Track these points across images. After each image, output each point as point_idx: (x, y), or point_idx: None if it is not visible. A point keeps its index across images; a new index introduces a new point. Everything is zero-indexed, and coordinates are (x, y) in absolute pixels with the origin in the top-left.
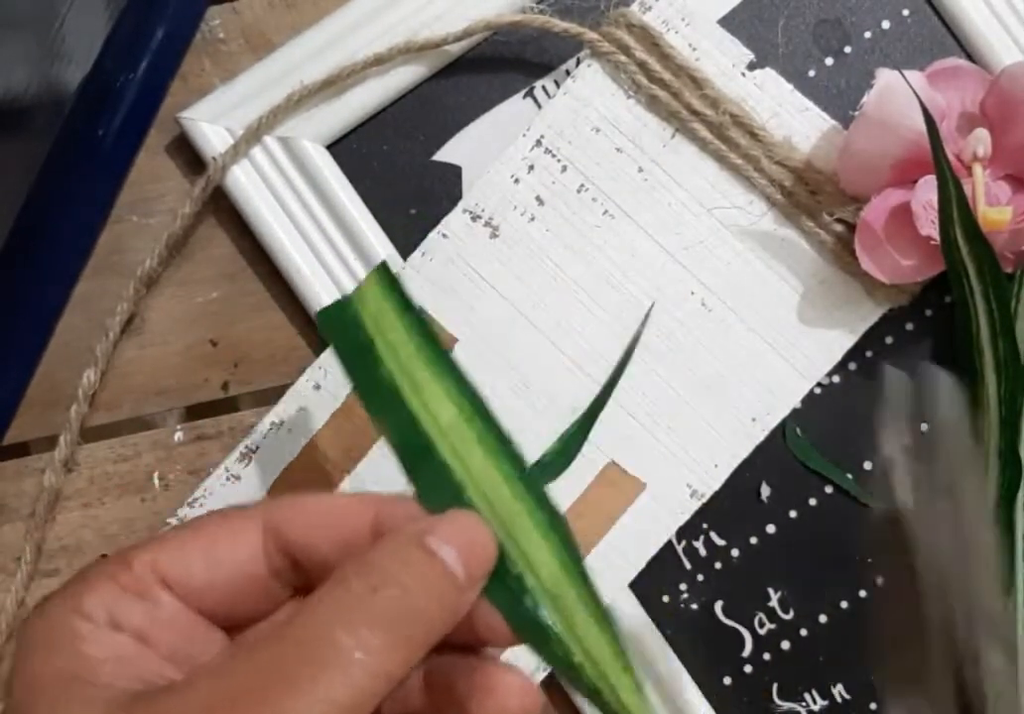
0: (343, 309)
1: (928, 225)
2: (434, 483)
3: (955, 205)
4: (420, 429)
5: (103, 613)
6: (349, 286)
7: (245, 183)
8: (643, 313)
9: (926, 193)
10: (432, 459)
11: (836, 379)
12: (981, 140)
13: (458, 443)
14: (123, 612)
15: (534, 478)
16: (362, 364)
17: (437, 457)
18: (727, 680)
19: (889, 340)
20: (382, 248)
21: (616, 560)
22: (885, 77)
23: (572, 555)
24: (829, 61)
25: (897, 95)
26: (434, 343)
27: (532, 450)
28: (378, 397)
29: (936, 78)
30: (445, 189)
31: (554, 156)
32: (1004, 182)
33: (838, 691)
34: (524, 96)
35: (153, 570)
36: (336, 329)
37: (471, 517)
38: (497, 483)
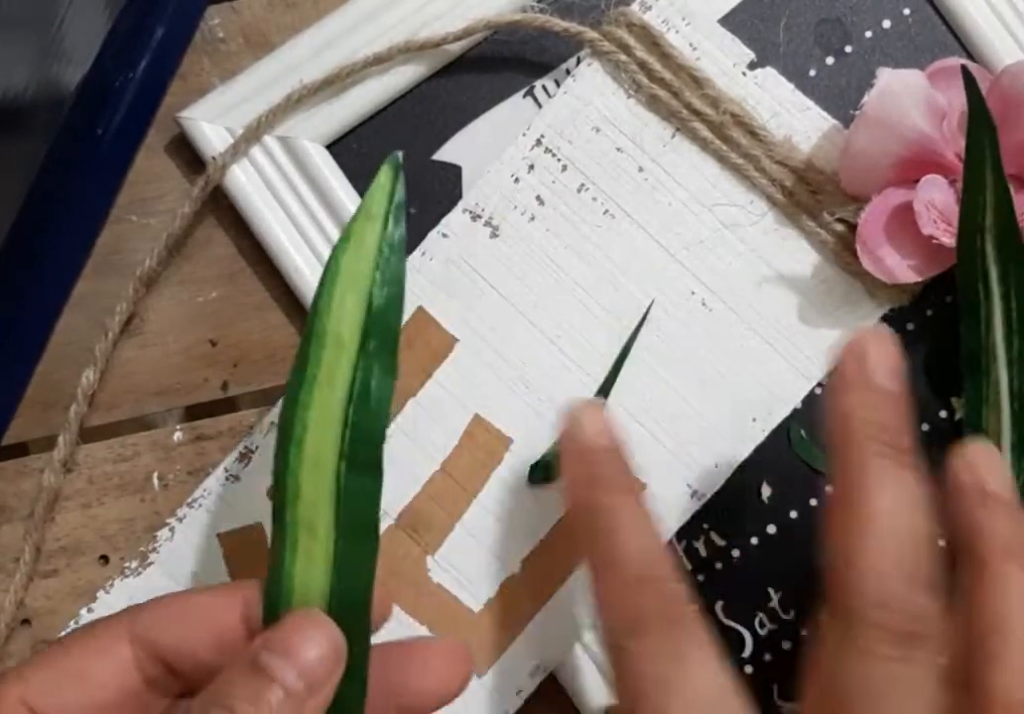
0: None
1: (930, 224)
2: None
3: (993, 212)
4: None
5: None
6: None
7: (244, 183)
8: (643, 313)
9: (928, 192)
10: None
11: None
12: None
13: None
14: None
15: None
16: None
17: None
18: None
19: None
20: None
21: None
22: (886, 76)
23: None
24: (830, 60)
25: (898, 94)
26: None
27: (533, 449)
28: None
29: (937, 77)
30: (445, 189)
31: (554, 155)
32: None
33: None
34: (524, 95)
35: (22, 702)
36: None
37: (310, 619)
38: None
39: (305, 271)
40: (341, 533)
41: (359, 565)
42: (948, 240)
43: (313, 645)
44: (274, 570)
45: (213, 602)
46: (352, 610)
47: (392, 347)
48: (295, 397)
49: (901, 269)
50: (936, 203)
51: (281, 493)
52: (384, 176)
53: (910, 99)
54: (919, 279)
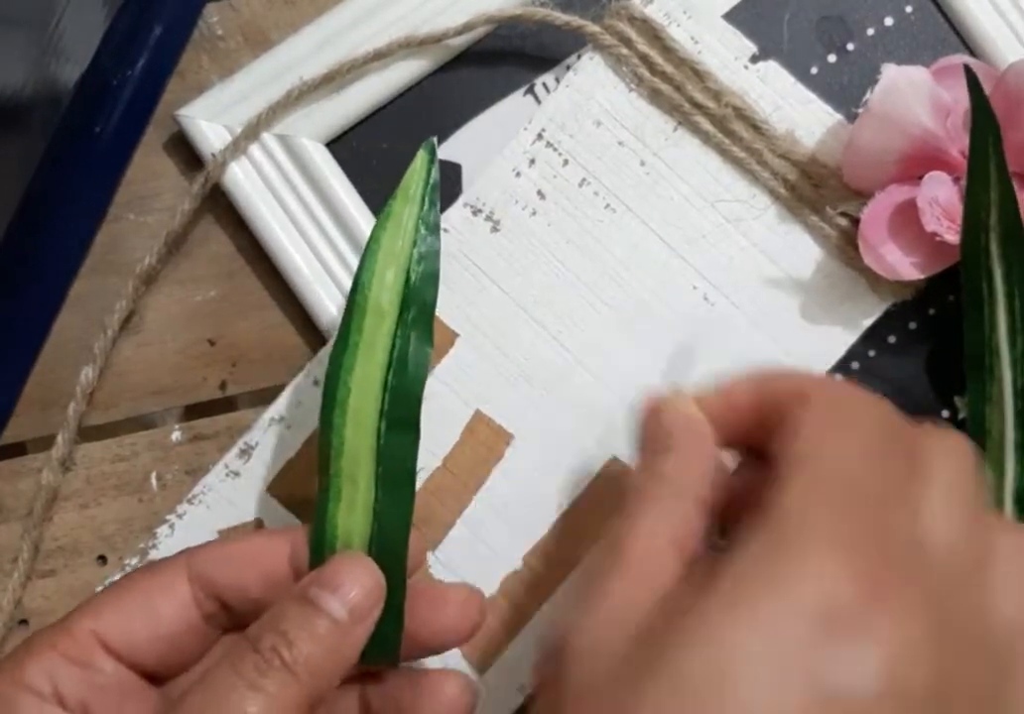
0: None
1: (933, 221)
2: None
3: (997, 209)
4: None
5: (47, 684)
6: (349, 285)
7: (243, 181)
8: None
9: (932, 189)
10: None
11: (839, 379)
12: None
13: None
14: (66, 683)
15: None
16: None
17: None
18: None
19: (892, 339)
20: None
21: None
22: (891, 73)
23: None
24: (832, 58)
25: (903, 91)
26: None
27: (534, 446)
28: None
29: (942, 74)
30: (445, 187)
31: (555, 150)
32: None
33: None
34: (524, 93)
35: (94, 636)
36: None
37: (355, 560)
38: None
39: (304, 270)
40: (380, 484)
41: (397, 513)
42: (951, 237)
43: (356, 581)
44: (319, 517)
45: (264, 545)
46: (390, 553)
47: (428, 317)
48: (339, 361)
49: (903, 266)
50: (940, 200)
51: (326, 448)
52: (420, 160)
53: (915, 96)
54: (921, 276)
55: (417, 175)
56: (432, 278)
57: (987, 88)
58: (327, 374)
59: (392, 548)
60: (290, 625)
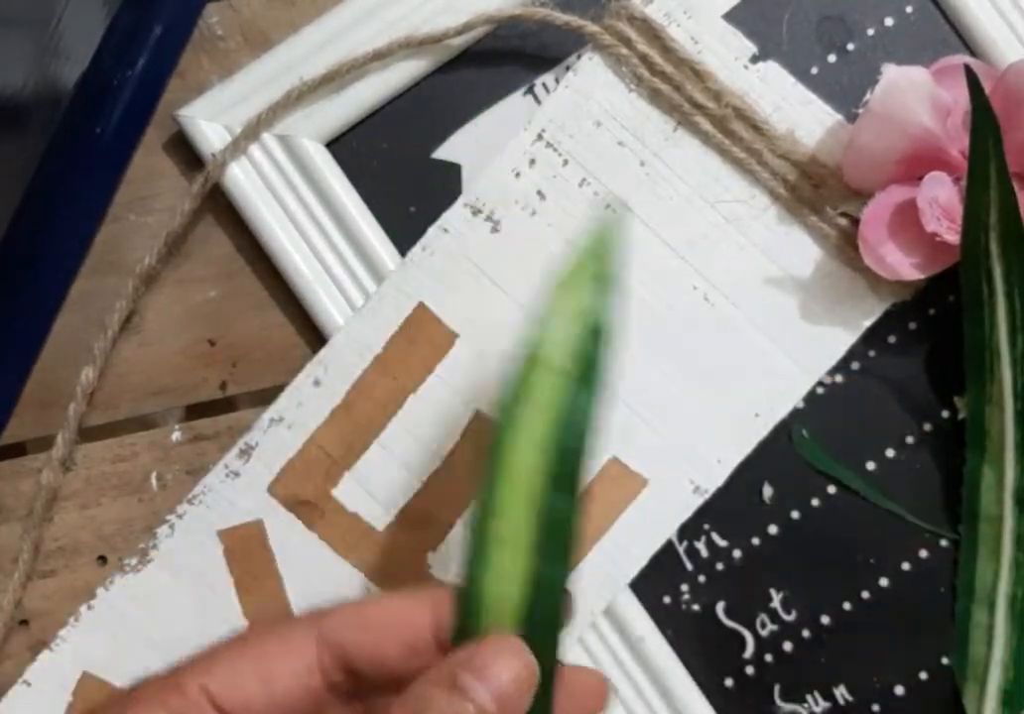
0: None
1: (933, 221)
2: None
3: (997, 210)
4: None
5: None
6: (349, 286)
7: (243, 181)
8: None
9: (932, 189)
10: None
11: (839, 379)
12: None
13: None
14: None
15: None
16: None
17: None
18: (728, 682)
19: (892, 339)
20: (382, 246)
21: (618, 557)
22: (891, 73)
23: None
24: (832, 58)
25: (903, 91)
26: None
27: None
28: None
29: (942, 75)
30: (445, 187)
31: (555, 150)
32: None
33: (840, 693)
34: (524, 93)
35: (205, 693)
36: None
37: (508, 645)
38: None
39: (304, 270)
40: (538, 553)
41: (553, 585)
42: (952, 237)
43: (509, 670)
44: (467, 585)
45: (404, 609)
46: (543, 629)
47: (599, 372)
48: (504, 413)
49: (904, 267)
50: (940, 200)
51: (481, 508)
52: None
53: (915, 96)
54: (921, 276)
55: (603, 241)
56: (605, 333)
57: (987, 88)
58: (493, 426)
59: (545, 622)
60: None
